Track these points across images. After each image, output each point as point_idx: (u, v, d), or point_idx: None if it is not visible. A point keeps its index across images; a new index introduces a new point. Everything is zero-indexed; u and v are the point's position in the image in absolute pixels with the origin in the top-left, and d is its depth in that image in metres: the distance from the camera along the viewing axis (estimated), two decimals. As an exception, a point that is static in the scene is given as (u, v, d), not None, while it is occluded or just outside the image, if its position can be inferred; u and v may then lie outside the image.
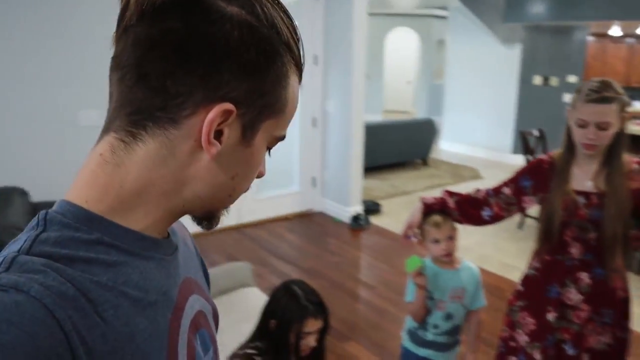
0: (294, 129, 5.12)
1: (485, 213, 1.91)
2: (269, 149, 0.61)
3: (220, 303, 2.66)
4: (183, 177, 0.55)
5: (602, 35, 9.04)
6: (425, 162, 7.87)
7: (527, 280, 1.91)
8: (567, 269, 1.76)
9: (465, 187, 6.59)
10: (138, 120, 0.53)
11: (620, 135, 1.66)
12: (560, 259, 1.77)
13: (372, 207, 5.41)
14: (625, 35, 9.02)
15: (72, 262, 0.48)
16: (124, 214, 0.54)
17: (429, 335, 2.05)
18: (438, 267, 2.02)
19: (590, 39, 8.32)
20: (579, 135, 1.66)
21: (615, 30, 7.69)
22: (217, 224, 0.63)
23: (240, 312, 2.61)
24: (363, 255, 4.40)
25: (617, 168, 1.67)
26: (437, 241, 1.95)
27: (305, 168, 5.29)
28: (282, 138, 0.62)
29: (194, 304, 0.62)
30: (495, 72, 8.06)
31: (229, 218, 4.76)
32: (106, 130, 0.55)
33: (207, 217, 0.62)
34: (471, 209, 1.92)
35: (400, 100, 13.69)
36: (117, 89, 0.54)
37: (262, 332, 1.77)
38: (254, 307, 2.69)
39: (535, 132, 5.01)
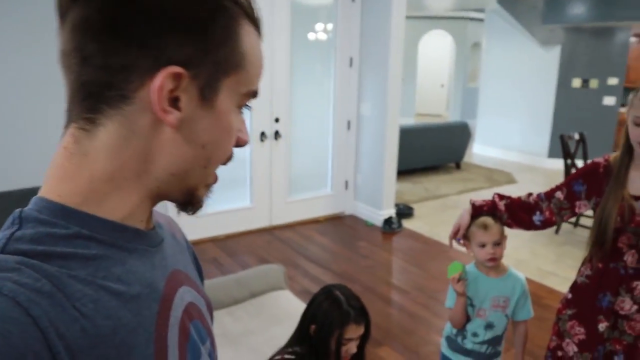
0: (328, 131, 5.10)
1: (536, 218, 1.84)
2: (241, 108, 0.59)
3: (252, 305, 2.68)
4: (150, 154, 0.53)
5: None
6: (458, 165, 7.76)
7: (577, 288, 1.83)
8: (621, 277, 1.69)
9: (499, 191, 6.53)
10: (92, 105, 0.51)
11: None
12: (614, 266, 1.70)
13: (404, 211, 5.34)
14: (669, 37, 8.72)
15: (48, 258, 0.47)
16: (99, 204, 0.52)
17: (468, 344, 1.98)
18: (481, 273, 1.95)
19: (633, 40, 8.06)
20: (636, 135, 1.59)
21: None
22: (200, 206, 0.60)
23: (272, 314, 2.59)
24: (395, 259, 4.33)
25: None
26: (483, 245, 1.88)
27: (338, 171, 5.25)
28: (253, 94, 0.59)
29: (184, 295, 0.61)
30: (533, 75, 7.88)
31: (260, 219, 4.79)
32: (67, 123, 0.54)
33: (188, 199, 0.59)
34: (522, 213, 1.86)
35: (434, 103, 13.56)
36: (68, 79, 0.53)
37: (301, 336, 1.73)
38: (286, 310, 2.68)
39: (576, 136, 4.86)
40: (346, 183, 5.32)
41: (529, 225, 1.88)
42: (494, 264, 1.91)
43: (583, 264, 1.83)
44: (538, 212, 1.84)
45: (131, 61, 0.50)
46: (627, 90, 8.80)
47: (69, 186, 0.52)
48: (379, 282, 3.78)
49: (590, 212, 1.85)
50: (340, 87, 4.99)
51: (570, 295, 1.85)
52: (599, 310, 1.73)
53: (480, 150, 8.80)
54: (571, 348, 1.80)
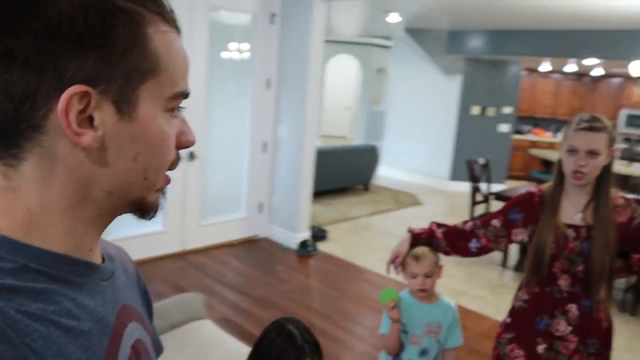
0: (244, 153, 5.01)
1: (473, 245, 1.90)
2: (171, 111, 0.55)
3: (173, 337, 2.52)
4: (81, 178, 0.51)
5: (533, 71, 9.55)
6: (366, 187, 7.93)
7: (515, 312, 1.90)
8: (556, 300, 1.78)
9: (406, 213, 6.79)
10: (9, 141, 0.49)
11: (608, 170, 1.71)
12: (549, 291, 1.79)
13: (319, 234, 5.34)
14: (553, 71, 9.57)
15: None
16: (43, 236, 0.50)
17: (404, 371, 1.99)
18: (414, 300, 1.98)
19: (523, 73, 8.75)
20: (569, 163, 1.69)
21: (545, 66, 8.12)
22: (155, 210, 0.58)
23: (198, 346, 2.46)
24: (313, 282, 4.30)
25: (604, 202, 1.71)
26: (414, 276, 1.92)
27: (252, 193, 5.15)
28: (183, 95, 0.56)
29: (133, 331, 0.59)
30: (436, 101, 8.29)
31: (173, 244, 4.57)
32: None
33: (139, 208, 0.57)
34: (458, 240, 1.91)
35: (338, 125, 13.83)
36: None
37: None
38: (210, 341, 2.56)
39: (481, 161, 5.15)
40: (260, 206, 5.23)
41: (465, 252, 1.93)
42: (424, 295, 1.95)
43: (520, 289, 1.90)
44: (474, 240, 1.90)
45: (31, 88, 0.47)
46: (519, 118, 9.52)
47: (9, 220, 0.50)
48: (300, 307, 3.73)
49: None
50: (257, 108, 4.93)
51: (509, 320, 1.91)
52: (537, 333, 1.80)
53: (386, 173, 9.07)
54: None
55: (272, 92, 4.98)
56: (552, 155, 7.50)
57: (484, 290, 4.32)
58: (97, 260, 0.57)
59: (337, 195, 7.37)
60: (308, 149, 4.87)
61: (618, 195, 1.78)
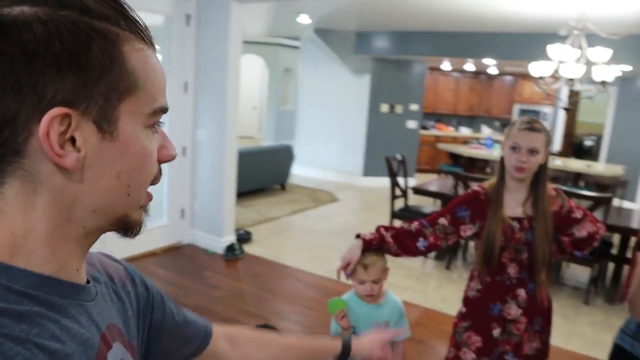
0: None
1: (421, 244, 1.97)
2: (151, 127, 0.57)
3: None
4: (65, 199, 0.51)
5: (436, 69, 10.06)
6: (283, 187, 7.98)
7: (469, 301, 2.03)
8: (507, 287, 1.94)
9: (324, 211, 6.93)
10: None
11: (544, 167, 1.89)
12: (500, 279, 1.94)
13: (243, 236, 5.31)
14: (453, 70, 10.15)
15: None
16: (28, 258, 0.50)
17: (357, 371, 2.05)
18: (361, 302, 2.03)
19: (427, 72, 9.20)
20: (512, 160, 1.85)
21: (446, 65, 8.61)
22: (139, 228, 0.59)
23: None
24: (245, 286, 4.28)
25: (542, 195, 1.89)
26: (362, 282, 1.97)
27: (174, 199, 5.02)
28: (163, 110, 0.57)
29: (116, 352, 0.59)
30: (346, 100, 8.51)
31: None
32: None
33: (122, 226, 0.57)
34: (407, 241, 1.97)
35: (246, 125, 13.77)
36: None
37: None
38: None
39: (399, 157, 5.37)
40: (182, 211, 5.11)
41: (414, 252, 1.99)
42: (371, 299, 2.02)
43: (471, 280, 2.04)
44: (422, 239, 1.98)
45: (11, 113, 0.47)
46: (425, 115, 9.99)
47: None
48: (237, 312, 3.70)
49: None
50: (174, 112, 4.80)
51: (464, 309, 2.04)
52: (492, 319, 1.95)
53: (299, 171, 9.16)
54: (469, 356, 1.99)
55: (189, 95, 4.88)
56: (458, 149, 7.97)
57: (411, 280, 4.52)
58: (83, 279, 0.57)
59: (255, 196, 7.36)
60: (230, 151, 4.83)
61: (550, 187, 1.97)
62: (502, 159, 1.94)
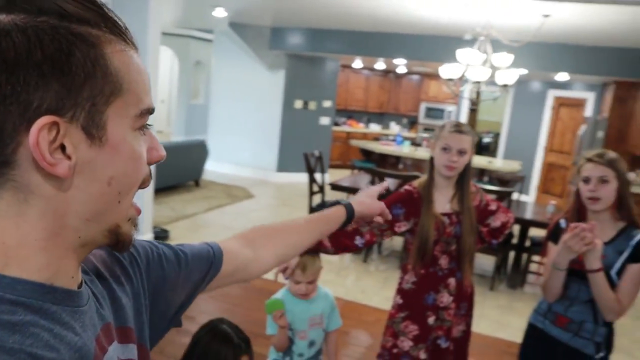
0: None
1: (358, 241, 2.06)
2: (140, 129, 0.56)
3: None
4: (58, 208, 0.51)
5: (347, 67, 10.31)
6: (197, 183, 7.85)
7: (405, 293, 2.16)
8: (439, 277, 2.10)
9: (241, 207, 6.93)
10: None
11: (468, 166, 2.05)
12: (433, 270, 2.09)
13: (160, 234, 5.20)
14: (364, 68, 10.45)
15: None
16: (21, 267, 0.50)
17: (295, 364, 2.12)
18: (295, 299, 2.12)
19: (340, 69, 9.42)
20: (443, 159, 2.00)
21: (357, 63, 8.85)
22: (130, 241, 0.58)
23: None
24: (165, 285, 4.20)
25: (467, 192, 2.06)
26: (298, 282, 2.06)
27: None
28: (149, 111, 0.57)
29: (113, 355, 0.59)
30: (261, 95, 8.51)
31: None
32: None
33: (114, 239, 0.57)
34: (345, 240, 2.04)
35: (155, 119, 13.30)
36: None
37: None
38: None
39: (316, 153, 5.48)
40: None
41: (352, 249, 2.09)
42: (306, 299, 2.13)
43: (405, 273, 2.17)
44: (359, 237, 2.07)
45: None
46: (338, 111, 10.21)
47: None
48: (159, 312, 3.63)
49: None
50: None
51: (400, 301, 2.17)
52: (427, 308, 2.11)
53: (213, 167, 9.02)
54: (406, 344, 2.12)
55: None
56: (370, 146, 8.23)
57: (330, 274, 4.64)
58: (76, 285, 0.56)
59: (169, 192, 7.18)
60: (147, 147, 4.69)
61: (472, 184, 2.14)
62: (431, 159, 2.08)
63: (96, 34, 0.50)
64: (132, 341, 0.65)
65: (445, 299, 2.10)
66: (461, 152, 1.99)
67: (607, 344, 1.85)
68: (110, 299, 0.65)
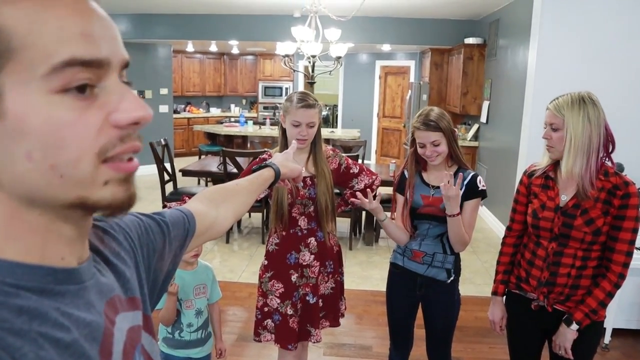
0: None
1: None
2: (70, 89, 0.45)
3: None
4: None
5: (181, 52, 10.04)
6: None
7: (270, 254, 2.28)
8: (299, 238, 2.23)
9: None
10: None
11: (319, 132, 2.19)
12: (293, 231, 2.22)
13: None
14: (196, 52, 10.26)
15: None
16: (13, 251, 0.47)
17: (186, 335, 2.16)
18: (182, 270, 2.18)
19: (172, 55, 9.16)
20: (294, 133, 2.10)
21: (190, 47, 8.67)
22: (116, 204, 0.50)
23: None
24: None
25: (320, 156, 2.20)
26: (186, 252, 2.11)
27: None
28: (77, 62, 0.45)
29: (122, 325, 0.57)
30: (91, 89, 7.98)
31: None
32: None
33: (91, 210, 0.51)
34: None
35: None
36: None
37: None
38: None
39: (163, 141, 5.35)
40: None
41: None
42: (191, 269, 2.22)
43: (269, 236, 2.30)
44: None
45: None
46: (176, 98, 9.94)
47: None
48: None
49: None
50: None
51: (266, 262, 2.29)
52: (290, 267, 2.24)
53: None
54: (275, 302, 2.24)
55: None
56: (214, 129, 8.19)
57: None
58: (74, 263, 0.53)
59: None
60: None
61: (328, 148, 2.30)
62: (284, 130, 2.19)
63: None
64: (138, 309, 0.63)
65: (307, 257, 2.23)
66: (310, 126, 2.11)
67: (456, 269, 2.15)
68: (114, 273, 0.61)
